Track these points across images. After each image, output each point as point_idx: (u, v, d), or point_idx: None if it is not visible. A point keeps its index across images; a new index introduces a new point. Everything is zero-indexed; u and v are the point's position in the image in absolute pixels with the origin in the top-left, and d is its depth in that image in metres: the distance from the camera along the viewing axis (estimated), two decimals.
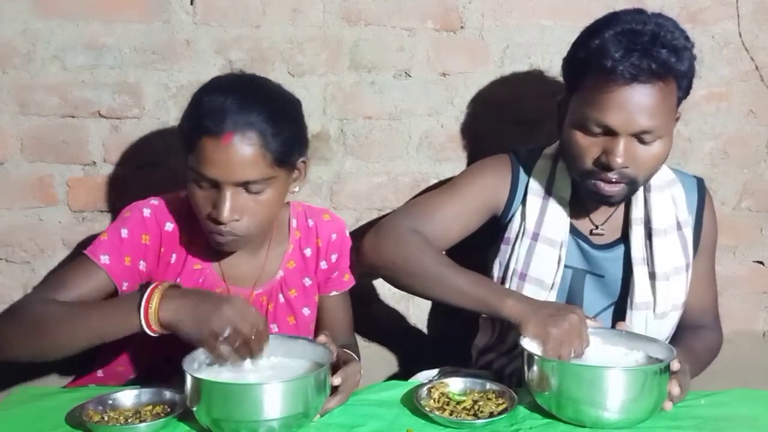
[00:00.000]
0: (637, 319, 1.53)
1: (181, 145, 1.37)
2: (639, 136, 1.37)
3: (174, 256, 1.47)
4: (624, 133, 1.36)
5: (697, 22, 1.85)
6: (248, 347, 1.23)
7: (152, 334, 1.24)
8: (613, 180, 1.40)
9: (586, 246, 1.56)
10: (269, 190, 1.36)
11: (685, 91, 1.42)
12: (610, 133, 1.38)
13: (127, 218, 1.44)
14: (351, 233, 1.90)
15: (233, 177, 1.31)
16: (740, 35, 1.88)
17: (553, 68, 1.85)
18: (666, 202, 1.55)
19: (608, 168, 1.39)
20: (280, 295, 1.54)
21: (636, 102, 1.34)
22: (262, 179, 1.33)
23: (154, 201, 1.47)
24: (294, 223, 1.56)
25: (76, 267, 1.41)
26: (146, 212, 1.45)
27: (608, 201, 1.46)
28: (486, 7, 1.82)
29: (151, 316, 1.22)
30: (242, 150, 1.30)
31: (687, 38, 1.39)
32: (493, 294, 1.39)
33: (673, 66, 1.34)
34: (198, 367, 1.25)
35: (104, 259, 1.39)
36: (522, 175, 1.58)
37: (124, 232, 1.42)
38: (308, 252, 1.56)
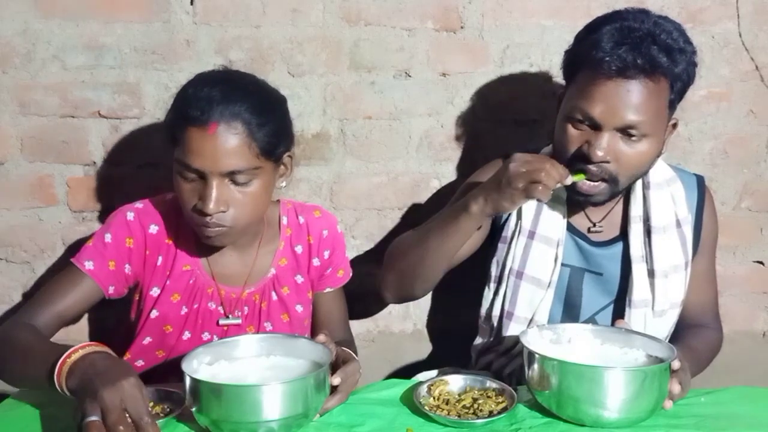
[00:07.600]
0: (635, 317, 1.53)
1: (167, 138, 1.38)
2: (624, 132, 1.38)
3: (160, 258, 1.47)
4: (608, 126, 1.37)
5: (697, 22, 1.85)
6: None
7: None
8: (594, 171, 1.40)
9: (584, 244, 1.56)
10: (255, 182, 1.37)
11: (678, 93, 1.41)
12: (595, 126, 1.39)
13: (111, 223, 1.46)
14: (351, 233, 1.92)
15: (219, 167, 1.32)
16: (740, 35, 1.87)
17: (553, 68, 1.85)
18: (665, 200, 1.54)
19: (588, 159, 1.39)
20: (273, 293, 1.55)
21: (621, 96, 1.35)
22: (247, 169, 1.34)
23: (139, 204, 1.49)
24: (285, 220, 1.57)
25: (64, 275, 1.43)
26: (130, 216, 1.46)
27: (590, 200, 1.45)
28: (486, 7, 1.81)
29: (63, 381, 1.14)
30: (228, 140, 1.31)
31: (687, 42, 1.39)
32: (456, 209, 1.41)
33: (662, 64, 1.34)
34: (197, 368, 1.24)
35: (89, 265, 1.42)
36: None
37: (108, 237, 1.44)
38: (299, 249, 1.57)
